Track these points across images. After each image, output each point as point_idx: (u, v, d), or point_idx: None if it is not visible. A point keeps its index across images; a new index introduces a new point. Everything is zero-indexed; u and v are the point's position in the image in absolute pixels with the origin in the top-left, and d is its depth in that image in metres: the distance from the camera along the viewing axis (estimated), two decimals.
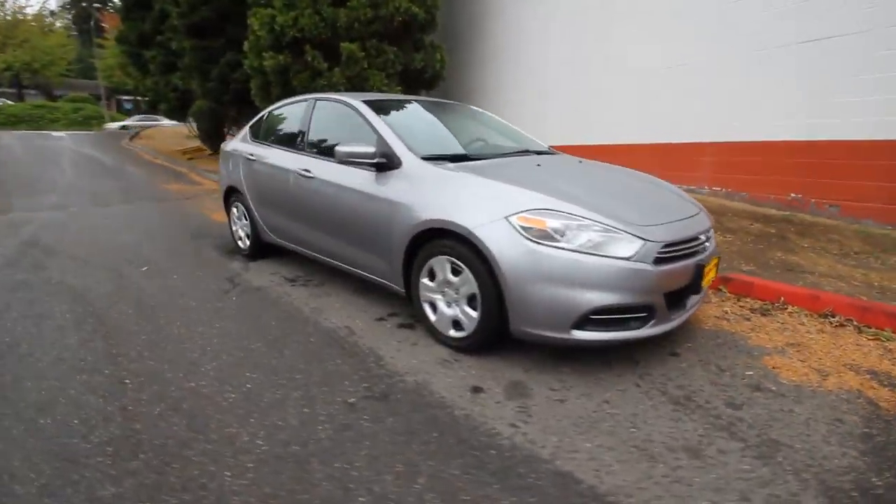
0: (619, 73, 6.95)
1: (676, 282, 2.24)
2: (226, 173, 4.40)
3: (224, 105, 12.04)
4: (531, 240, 2.12)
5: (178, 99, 14.60)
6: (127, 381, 2.21)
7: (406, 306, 3.09)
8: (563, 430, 1.86)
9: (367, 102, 3.17)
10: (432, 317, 2.60)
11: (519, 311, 2.18)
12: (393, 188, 2.68)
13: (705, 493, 1.56)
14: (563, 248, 2.09)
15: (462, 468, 1.66)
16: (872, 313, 2.75)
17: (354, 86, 8.82)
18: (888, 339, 2.60)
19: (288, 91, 9.23)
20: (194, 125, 15.16)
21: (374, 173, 2.83)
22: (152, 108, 21.04)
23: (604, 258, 2.07)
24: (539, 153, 3.31)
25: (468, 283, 2.34)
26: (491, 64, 10.38)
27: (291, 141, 3.63)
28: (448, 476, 1.63)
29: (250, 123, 4.31)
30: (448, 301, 2.50)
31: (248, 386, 2.17)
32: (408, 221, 2.55)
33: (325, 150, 3.29)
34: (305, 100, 3.71)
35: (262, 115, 4.18)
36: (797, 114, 5.02)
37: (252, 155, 3.97)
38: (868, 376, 2.28)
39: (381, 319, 2.94)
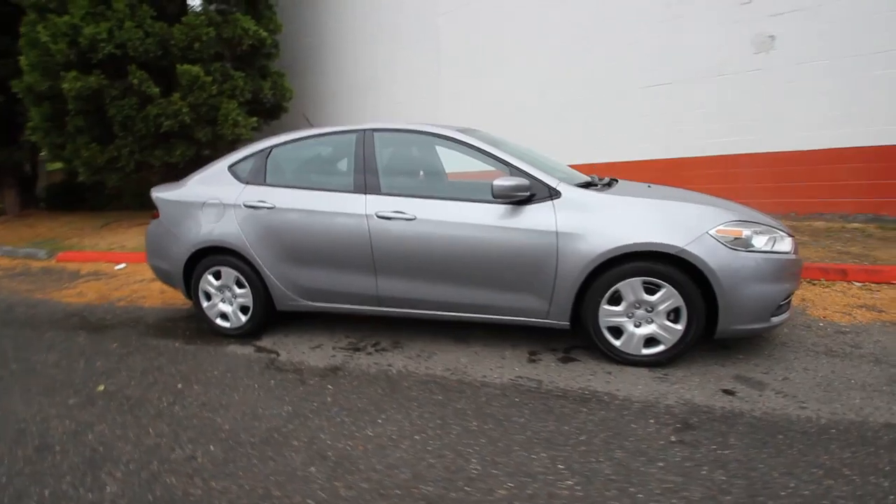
0: (493, 111, 7.81)
1: None
2: (189, 230, 3.23)
3: None
4: (734, 248, 2.41)
5: None
6: None
7: (540, 339, 2.97)
8: (825, 396, 2.20)
9: (461, 133, 2.90)
10: (615, 341, 2.60)
11: (730, 313, 2.43)
12: (554, 219, 2.57)
13: None
14: (757, 251, 2.45)
15: (829, 453, 1.83)
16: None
17: (200, 116, 7.40)
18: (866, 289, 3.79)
19: (100, 121, 7.14)
20: None
21: (506, 207, 2.65)
22: None
23: (780, 255, 2.51)
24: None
25: (670, 298, 2.46)
26: (341, 97, 10.06)
27: (345, 182, 2.98)
28: (822, 465, 1.77)
29: (231, 162, 3.29)
30: (637, 321, 2.56)
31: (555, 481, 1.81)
32: (588, 250, 2.50)
33: (421, 188, 2.91)
34: (345, 132, 3.10)
35: (258, 153, 3.25)
36: (651, 139, 6.65)
37: (263, 202, 3.07)
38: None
39: (534, 361, 2.74)
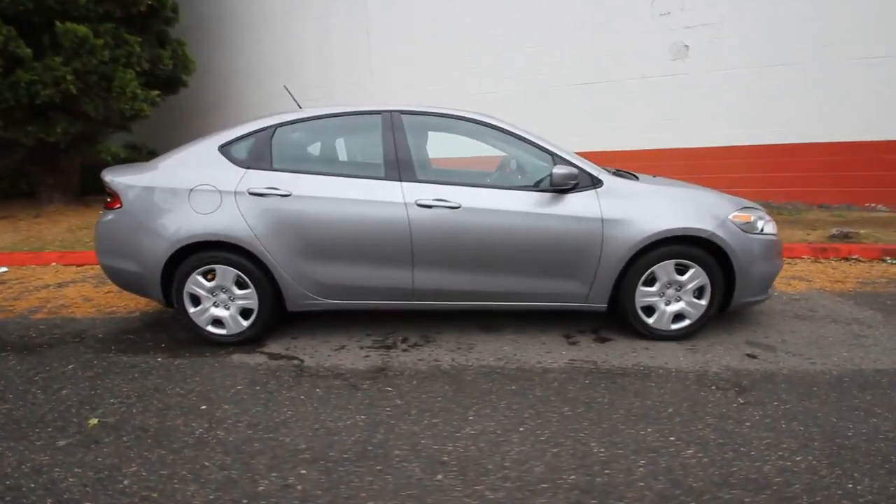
0: (432, 98, 7.75)
1: None
2: (171, 223, 2.69)
3: None
4: (745, 231, 2.76)
5: None
6: None
7: (563, 322, 3.09)
8: (820, 353, 2.65)
9: (493, 119, 2.84)
10: (649, 319, 2.81)
11: (743, 288, 2.78)
12: (597, 206, 2.67)
13: None
14: (760, 234, 2.83)
15: (856, 397, 2.22)
16: None
17: (89, 85, 6.18)
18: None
19: None
20: None
21: (548, 195, 2.70)
22: None
23: (772, 237, 2.92)
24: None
25: (698, 277, 2.74)
26: (251, 75, 9.07)
27: (374, 167, 2.72)
28: (858, 407, 2.16)
29: (223, 142, 2.79)
30: (667, 300, 2.79)
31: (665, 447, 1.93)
32: (631, 235, 2.66)
33: (458, 175, 2.80)
34: (366, 112, 2.83)
35: (258, 132, 2.80)
36: (583, 133, 7.18)
37: (275, 189, 2.67)
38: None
39: (574, 343, 2.84)
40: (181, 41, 7.81)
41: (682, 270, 2.75)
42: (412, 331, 3.05)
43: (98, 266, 4.93)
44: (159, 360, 2.74)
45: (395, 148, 2.75)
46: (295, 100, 3.35)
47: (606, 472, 1.76)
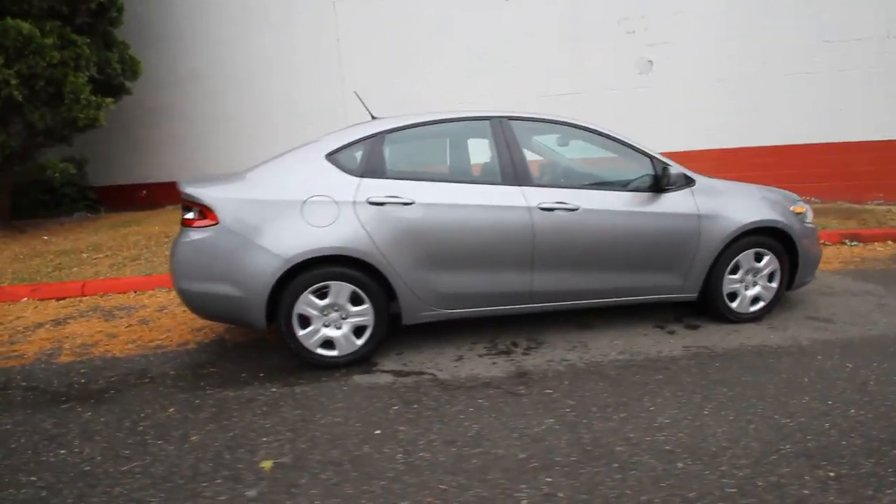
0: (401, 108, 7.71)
1: None
2: (283, 238, 2.44)
3: None
4: (801, 222, 3.18)
5: None
6: None
7: (649, 314, 3.30)
8: (863, 321, 3.12)
9: (591, 124, 2.97)
10: (733, 304, 3.11)
11: (803, 271, 3.19)
12: (693, 203, 2.92)
13: None
14: (808, 223, 3.26)
15: None
16: None
17: (35, 91, 5.34)
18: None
19: None
20: None
21: (648, 194, 2.90)
22: None
23: (814, 226, 3.37)
24: None
25: (771, 264, 3.09)
26: (207, 81, 8.33)
27: (489, 173, 2.71)
28: None
29: (330, 150, 2.59)
30: (746, 285, 3.11)
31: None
32: (723, 228, 2.94)
33: (569, 178, 2.96)
34: (471, 118, 2.80)
35: (367, 139, 2.67)
36: None
37: (396, 197, 2.54)
38: None
39: (671, 332, 3.04)
40: (126, 43, 7.00)
41: (758, 258, 3.09)
42: (511, 335, 3.05)
43: (86, 298, 4.28)
44: (273, 390, 2.47)
45: (510, 153, 2.77)
46: (367, 109, 3.22)
47: (809, 437, 1.95)
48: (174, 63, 8.35)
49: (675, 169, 2.84)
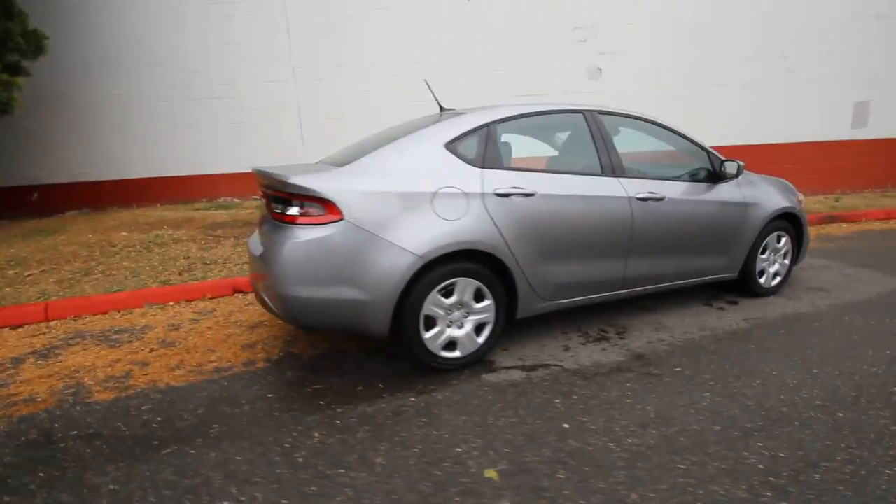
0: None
1: None
2: (415, 233, 2.25)
3: None
4: (801, 208, 3.76)
5: None
6: None
7: (693, 295, 3.64)
8: (853, 288, 3.80)
9: (661, 119, 3.20)
10: (761, 280, 3.56)
11: (803, 251, 3.78)
12: (740, 192, 3.30)
13: None
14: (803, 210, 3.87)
15: None
16: None
17: None
18: None
19: None
20: None
21: (706, 184, 3.22)
22: None
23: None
24: None
25: (787, 244, 3.61)
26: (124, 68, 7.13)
27: (590, 164, 2.76)
28: None
29: (448, 139, 2.41)
30: (769, 263, 3.59)
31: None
32: (761, 214, 3.38)
33: (653, 170, 3.14)
34: (566, 111, 2.84)
35: (479, 129, 2.55)
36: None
37: (520, 188, 2.48)
38: None
39: (720, 309, 3.40)
40: (25, 12, 5.71)
41: (778, 239, 3.59)
42: (592, 324, 3.15)
43: (54, 322, 3.42)
44: (412, 400, 2.26)
45: (606, 146, 2.87)
46: (436, 98, 3.07)
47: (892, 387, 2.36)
48: (80, 44, 7.02)
49: (736, 161, 3.20)
